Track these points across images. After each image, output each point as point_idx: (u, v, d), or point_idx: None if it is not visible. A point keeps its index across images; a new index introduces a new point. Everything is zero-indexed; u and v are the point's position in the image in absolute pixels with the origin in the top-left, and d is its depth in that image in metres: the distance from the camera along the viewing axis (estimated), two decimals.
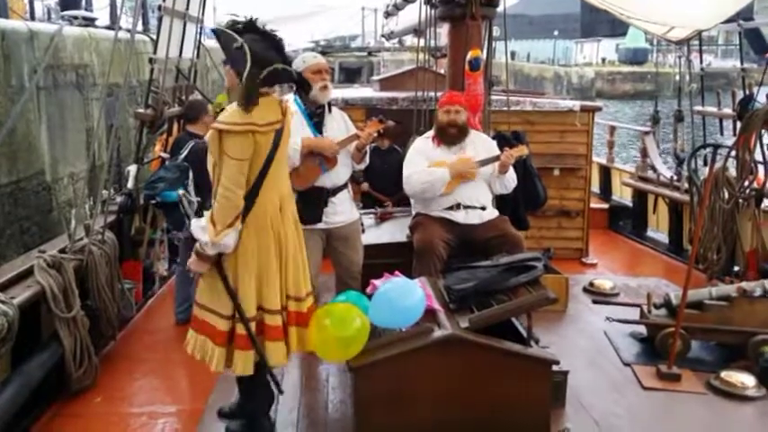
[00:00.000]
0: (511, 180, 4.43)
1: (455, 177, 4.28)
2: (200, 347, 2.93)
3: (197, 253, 2.83)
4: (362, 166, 4.20)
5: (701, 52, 6.94)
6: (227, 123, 2.75)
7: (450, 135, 4.40)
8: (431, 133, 4.55)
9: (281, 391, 3.14)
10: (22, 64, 7.43)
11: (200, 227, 2.80)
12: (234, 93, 2.91)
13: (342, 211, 4.01)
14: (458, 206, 4.33)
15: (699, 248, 5.30)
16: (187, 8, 5.72)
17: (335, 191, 3.97)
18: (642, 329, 4.22)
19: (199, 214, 3.08)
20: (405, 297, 2.98)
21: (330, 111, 4.01)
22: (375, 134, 4.03)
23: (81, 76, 8.83)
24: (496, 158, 4.32)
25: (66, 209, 8.16)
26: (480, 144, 4.51)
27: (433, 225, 4.28)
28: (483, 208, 4.36)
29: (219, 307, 2.88)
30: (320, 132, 3.93)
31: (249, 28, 2.79)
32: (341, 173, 3.99)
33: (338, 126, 4.02)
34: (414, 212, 4.60)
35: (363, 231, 4.39)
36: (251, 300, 2.87)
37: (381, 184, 5.88)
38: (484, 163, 4.34)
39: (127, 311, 4.63)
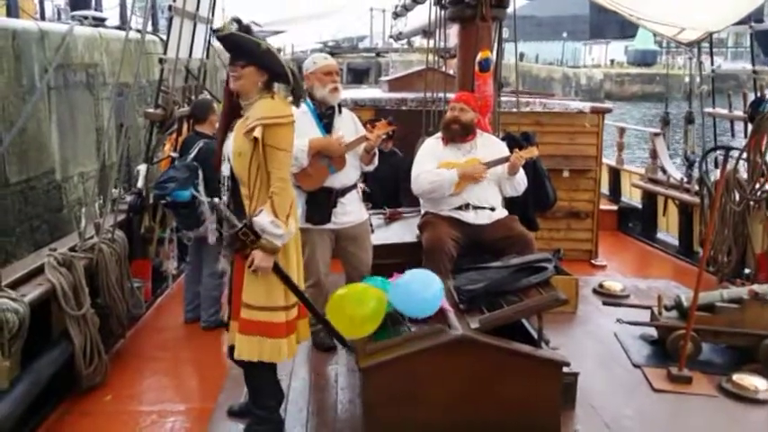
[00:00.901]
0: (521, 182, 4.41)
1: (463, 179, 4.27)
2: (256, 349, 2.93)
3: (265, 249, 2.82)
4: (371, 168, 4.18)
5: (711, 54, 6.91)
6: (276, 117, 2.86)
7: (452, 131, 4.37)
8: (440, 133, 4.54)
9: (349, 348, 3.22)
10: (33, 63, 7.46)
11: (269, 221, 2.81)
12: (253, 92, 2.93)
13: (351, 211, 4.00)
14: (467, 206, 4.30)
15: (709, 250, 5.27)
16: (197, 9, 5.74)
17: (344, 191, 3.97)
18: (652, 331, 4.19)
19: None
20: (424, 288, 3.04)
21: (340, 112, 4.01)
22: (384, 136, 4.03)
23: (91, 76, 8.86)
24: (506, 159, 4.31)
25: (77, 208, 8.19)
26: (490, 146, 4.49)
27: (442, 224, 4.26)
28: (492, 209, 4.34)
29: (275, 301, 2.93)
30: (329, 133, 3.93)
31: (250, 30, 2.92)
32: (350, 174, 3.99)
33: (348, 127, 4.01)
34: (423, 211, 4.59)
35: (372, 231, 4.38)
36: (302, 282, 3.07)
37: (380, 186, 5.85)
38: (493, 164, 4.32)
39: (136, 310, 4.65)
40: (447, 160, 4.35)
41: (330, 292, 3.97)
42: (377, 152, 4.05)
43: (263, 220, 2.82)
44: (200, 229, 4.57)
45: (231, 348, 3.09)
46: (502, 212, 4.39)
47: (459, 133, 4.38)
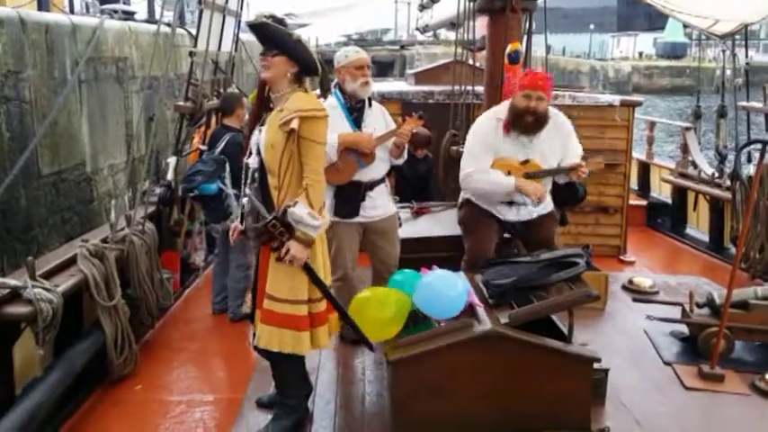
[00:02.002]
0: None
1: (520, 191, 3.94)
2: (276, 340, 2.96)
3: (301, 240, 2.85)
4: (400, 162, 4.17)
5: (746, 46, 6.75)
6: (313, 110, 2.88)
7: (526, 124, 3.89)
8: (502, 112, 4.02)
9: (371, 348, 3.24)
10: (65, 57, 7.56)
11: (307, 213, 2.84)
12: (283, 82, 2.95)
13: (379, 205, 4.00)
14: (510, 203, 4.06)
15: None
16: (226, 2, 5.77)
17: (373, 185, 3.96)
18: (683, 328, 4.13)
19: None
20: (448, 288, 3.02)
21: (370, 105, 4.00)
22: (414, 130, 4.01)
23: (121, 69, 8.96)
24: (569, 170, 3.98)
25: (106, 200, 8.31)
26: (556, 132, 4.02)
27: (485, 224, 4.08)
28: (536, 203, 4.05)
29: (298, 294, 2.95)
30: (359, 127, 3.92)
31: (284, 23, 2.95)
32: (378, 168, 3.98)
33: (377, 121, 4.00)
34: (461, 198, 4.32)
35: (401, 225, 4.37)
36: (327, 275, 3.08)
37: (409, 185, 5.84)
38: (554, 173, 4.02)
39: (165, 301, 4.71)
40: (504, 156, 3.98)
41: (357, 286, 4.01)
42: (406, 146, 4.04)
43: (301, 211, 2.83)
44: (227, 222, 4.60)
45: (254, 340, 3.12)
46: (545, 208, 4.15)
47: (532, 127, 3.89)
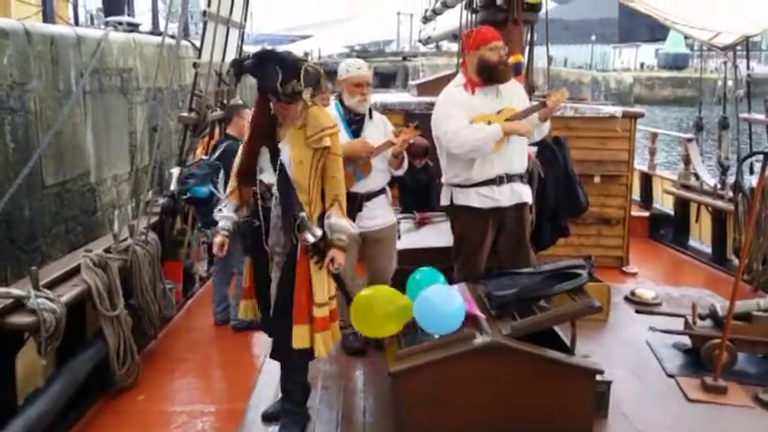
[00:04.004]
0: (546, 128, 4.17)
1: (507, 134, 3.82)
2: (325, 343, 3.08)
3: (340, 247, 3.03)
4: (401, 172, 4.18)
5: (747, 58, 6.77)
6: (335, 126, 3.11)
7: (502, 74, 3.89)
8: (461, 80, 3.99)
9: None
10: (70, 68, 7.60)
11: (346, 222, 3.06)
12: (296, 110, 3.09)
13: (378, 215, 4.02)
14: (501, 180, 3.91)
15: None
16: (230, 14, 5.81)
17: (370, 196, 3.99)
18: (686, 340, 4.12)
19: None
20: (446, 303, 3.01)
21: (371, 117, 4.03)
22: (411, 140, 4.02)
23: (125, 81, 9.00)
24: (542, 106, 3.93)
25: (110, 210, 8.32)
26: (512, 89, 4.06)
27: (480, 232, 4.00)
28: (522, 177, 4.04)
29: (327, 295, 3.08)
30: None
31: (283, 60, 3.03)
32: (377, 179, 4.00)
33: (378, 132, 4.02)
34: (448, 198, 4.07)
35: (399, 237, 4.37)
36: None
37: (411, 195, 5.84)
38: (530, 112, 3.93)
39: (167, 311, 4.71)
40: (480, 111, 3.87)
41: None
42: (405, 156, 4.05)
43: (343, 222, 3.04)
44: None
45: (276, 350, 3.20)
46: (528, 195, 4.09)
47: (507, 74, 3.93)
